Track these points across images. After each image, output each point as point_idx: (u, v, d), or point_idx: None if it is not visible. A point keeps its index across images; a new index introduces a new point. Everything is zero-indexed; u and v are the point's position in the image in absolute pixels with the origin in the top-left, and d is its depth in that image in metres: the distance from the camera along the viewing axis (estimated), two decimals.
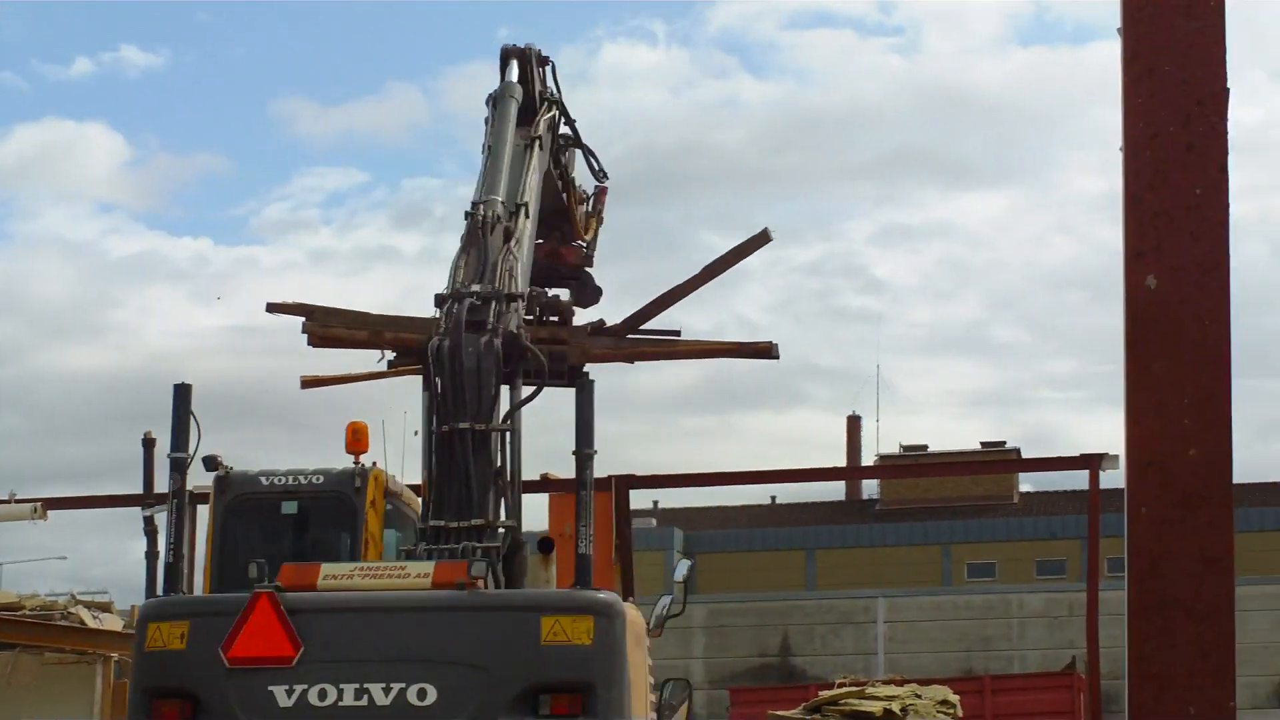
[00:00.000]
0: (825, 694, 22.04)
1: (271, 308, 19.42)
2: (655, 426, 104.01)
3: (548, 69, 16.76)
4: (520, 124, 15.67)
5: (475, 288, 13.06)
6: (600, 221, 18.72)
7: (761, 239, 19.52)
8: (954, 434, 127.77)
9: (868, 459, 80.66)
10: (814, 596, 43.23)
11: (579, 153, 18.18)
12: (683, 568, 13.69)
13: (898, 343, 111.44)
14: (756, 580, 67.58)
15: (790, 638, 36.39)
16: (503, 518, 12.56)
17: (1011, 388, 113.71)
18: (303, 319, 19.22)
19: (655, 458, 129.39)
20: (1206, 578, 6.05)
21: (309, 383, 19.82)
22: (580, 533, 11.65)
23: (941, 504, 79.56)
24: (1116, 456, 22.41)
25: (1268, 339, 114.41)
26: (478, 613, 11.16)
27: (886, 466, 73.67)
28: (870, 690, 21.93)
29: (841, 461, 78.96)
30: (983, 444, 77.44)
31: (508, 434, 12.71)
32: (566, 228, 18.13)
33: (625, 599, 11.69)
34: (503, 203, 13.99)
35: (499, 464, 12.61)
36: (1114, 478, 21.72)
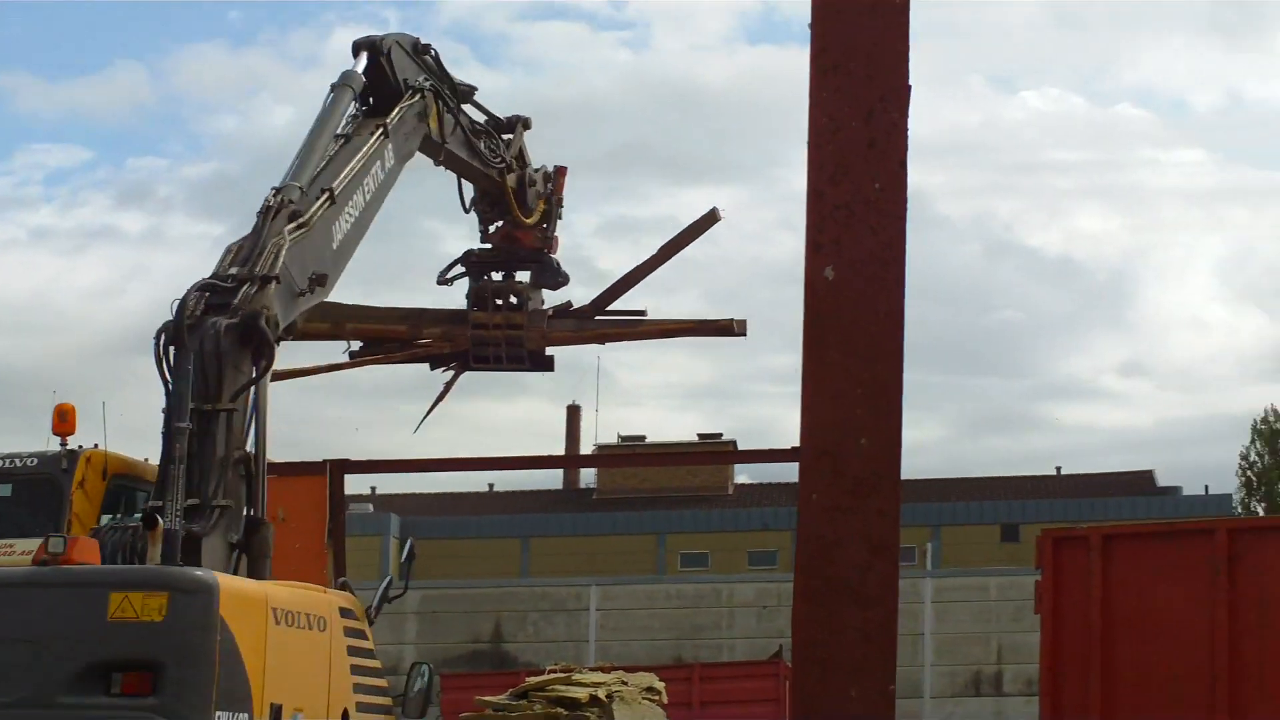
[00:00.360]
0: (533, 680, 22.20)
1: None
2: (374, 413, 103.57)
3: (429, 58, 16.59)
4: (377, 114, 15.67)
5: (233, 270, 13.08)
6: (558, 204, 18.45)
7: (710, 219, 19.31)
8: (671, 425, 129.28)
9: (586, 449, 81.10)
10: (527, 584, 43.45)
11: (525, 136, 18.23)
12: (404, 550, 13.55)
13: None
14: (472, 567, 67.67)
15: (503, 624, 36.55)
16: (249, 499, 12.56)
17: (730, 381, 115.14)
18: None
19: (374, 444, 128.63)
20: (874, 564, 6.26)
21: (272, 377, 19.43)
22: (166, 509, 11.61)
23: (657, 494, 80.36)
24: None
25: (982, 338, 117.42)
26: (43, 589, 10.96)
27: (604, 456, 74.09)
28: (577, 676, 22.13)
29: (561, 451, 79.23)
30: (700, 436, 78.23)
31: (246, 415, 12.74)
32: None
33: (337, 583, 11.68)
34: (300, 188, 13.94)
35: (230, 446, 12.60)
36: None
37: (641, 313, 19.26)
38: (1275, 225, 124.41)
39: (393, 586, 12.98)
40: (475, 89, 17.40)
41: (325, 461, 19.66)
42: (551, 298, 18.94)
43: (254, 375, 12.90)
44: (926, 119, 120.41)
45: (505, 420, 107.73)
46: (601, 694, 21.44)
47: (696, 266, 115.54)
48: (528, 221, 18.08)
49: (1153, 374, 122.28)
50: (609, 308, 19.23)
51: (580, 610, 36.39)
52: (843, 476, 6.25)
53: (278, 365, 18.50)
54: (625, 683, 22.27)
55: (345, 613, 12.40)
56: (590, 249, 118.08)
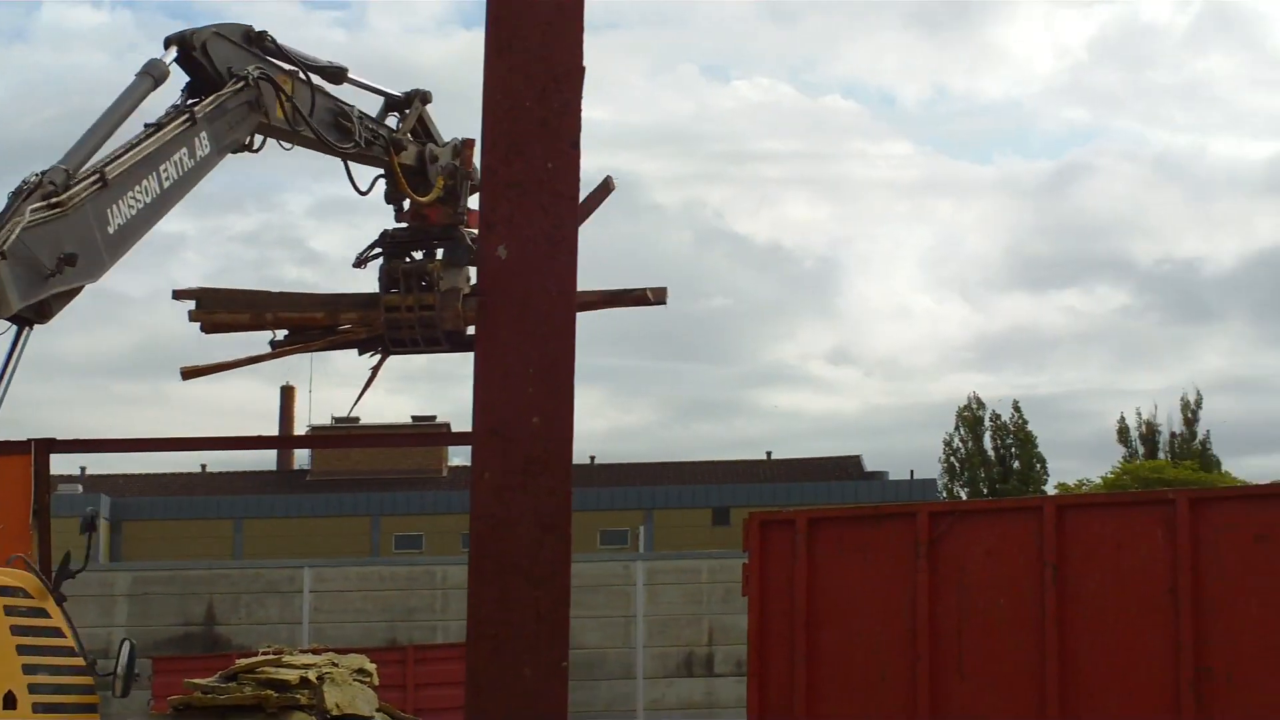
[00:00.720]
0: (243, 662, 22.09)
1: (177, 295, 18.53)
2: (84, 392, 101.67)
3: (268, 44, 16.19)
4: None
5: None
6: (465, 179, 17.95)
7: (605, 189, 18.74)
8: (385, 408, 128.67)
9: (300, 430, 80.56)
10: (240, 566, 43.08)
11: (425, 110, 17.90)
12: (83, 521, 13.05)
13: None
14: (185, 549, 66.85)
15: (216, 606, 36.22)
16: None
17: (443, 363, 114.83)
18: (191, 306, 18.32)
19: (84, 423, 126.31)
20: (545, 543, 6.30)
21: (190, 373, 18.68)
22: None
23: (371, 475, 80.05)
24: None
25: (693, 324, 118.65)
26: None
27: (318, 437, 73.54)
28: (288, 659, 22.05)
29: (274, 431, 78.55)
30: (414, 418, 78.12)
31: None
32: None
33: (9, 560, 11.53)
34: (66, 170, 13.70)
35: None
36: None
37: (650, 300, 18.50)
38: (979, 218, 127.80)
39: (72, 561, 12.78)
40: (345, 69, 17.22)
41: (30, 440, 19.29)
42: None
43: None
44: (640, 108, 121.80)
45: (218, 400, 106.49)
46: (312, 676, 21.40)
47: None
48: (421, 199, 17.80)
49: (859, 362, 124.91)
50: None
51: (294, 592, 36.20)
52: (513, 455, 6.29)
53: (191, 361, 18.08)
54: (336, 664, 22.25)
55: (10, 591, 12.15)
56: (303, 229, 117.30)
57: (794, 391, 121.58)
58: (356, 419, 78.78)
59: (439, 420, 75.37)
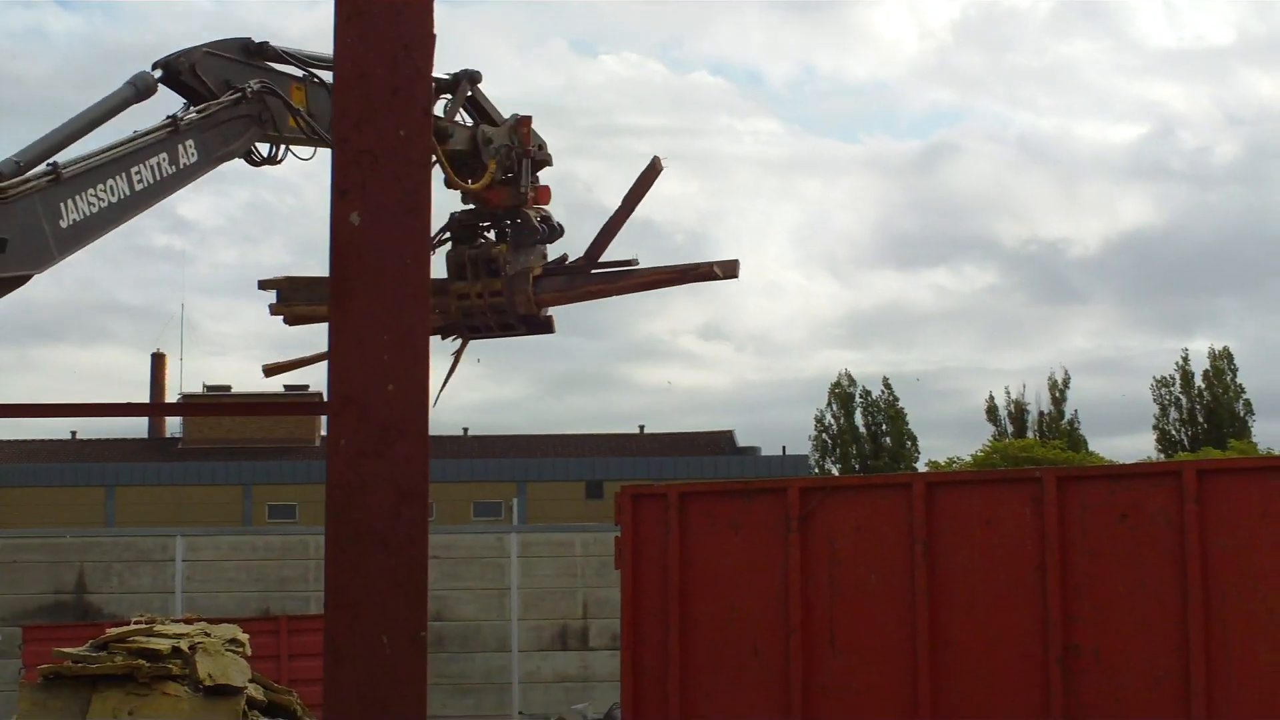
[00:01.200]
0: (114, 631, 21.99)
1: (263, 285, 18.19)
2: None
3: (271, 50, 16.17)
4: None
5: None
6: (524, 156, 17.47)
7: (654, 170, 17.89)
8: (257, 376, 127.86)
9: (172, 397, 79.95)
10: (112, 534, 42.75)
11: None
12: None
13: (202, 283, 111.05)
14: (55, 516, 66.25)
15: (87, 575, 35.94)
16: None
17: (313, 333, 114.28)
18: (272, 300, 18.01)
19: None
20: (401, 510, 6.37)
21: (272, 370, 18.15)
22: None
23: (244, 444, 79.59)
24: None
25: None
26: None
27: (190, 404, 72.86)
28: (159, 628, 21.97)
29: (146, 398, 77.93)
30: (286, 387, 77.64)
31: None
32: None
33: None
34: (17, 162, 13.83)
35: None
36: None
37: (633, 262, 18.27)
38: (848, 196, 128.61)
39: None
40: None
41: None
42: (554, 251, 18.11)
43: None
44: (509, 82, 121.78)
45: (88, 366, 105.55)
46: (184, 646, 21.34)
47: (280, 218, 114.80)
48: (471, 185, 17.32)
49: (731, 337, 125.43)
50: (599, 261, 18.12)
51: (166, 561, 35.97)
52: (369, 423, 6.34)
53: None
54: (208, 634, 22.20)
55: None
56: (172, 196, 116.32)
57: (666, 367, 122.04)
58: (229, 387, 78.38)
59: (311, 391, 74.93)
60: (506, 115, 17.80)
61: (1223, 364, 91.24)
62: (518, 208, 17.62)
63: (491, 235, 17.87)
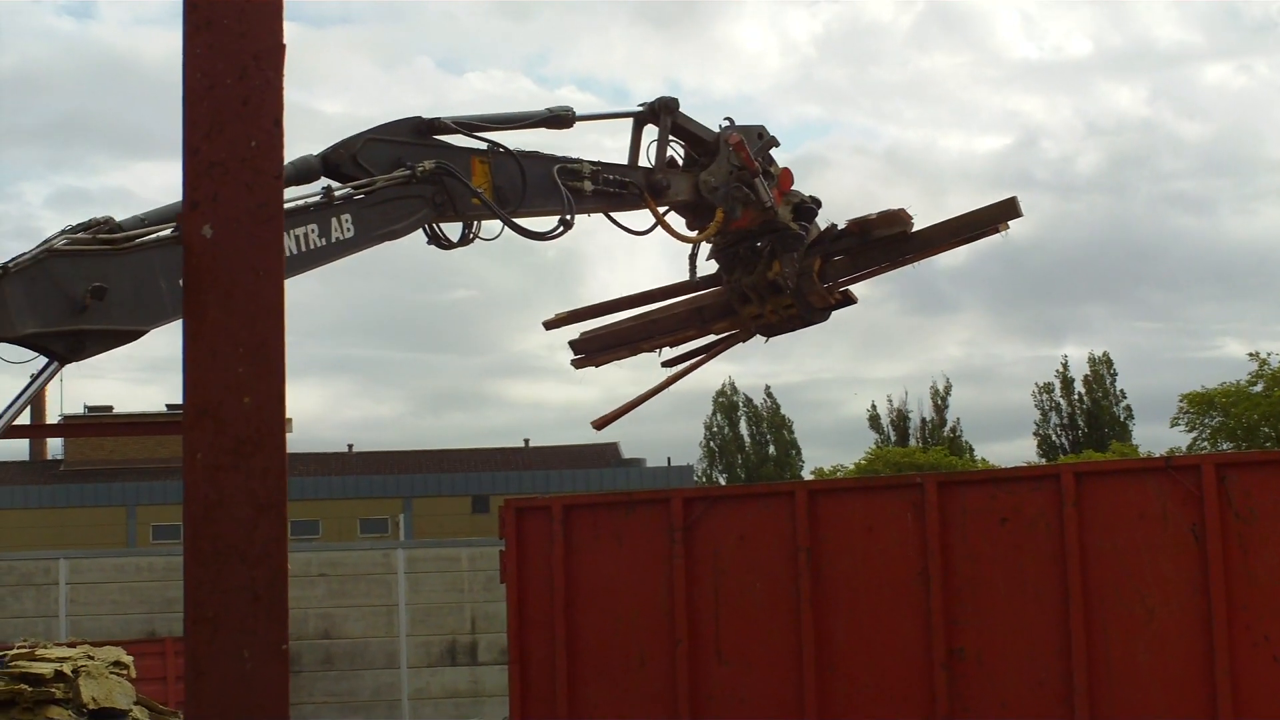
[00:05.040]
0: None
1: (548, 325, 18.09)
2: None
3: (446, 125, 15.18)
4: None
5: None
6: (753, 174, 16.36)
7: (903, 221, 17.19)
8: (134, 397, 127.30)
9: (52, 418, 79.14)
10: None
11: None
12: None
13: None
14: None
15: None
16: None
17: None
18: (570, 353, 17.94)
19: None
20: (259, 523, 6.35)
21: (602, 423, 17.30)
22: None
23: (126, 465, 78.89)
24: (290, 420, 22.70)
25: (439, 315, 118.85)
26: None
27: (72, 425, 72.19)
28: (41, 652, 21.78)
29: (25, 420, 77.05)
30: (168, 406, 77.07)
31: None
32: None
33: None
34: (139, 218, 13.08)
35: None
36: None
37: (903, 216, 17.32)
38: None
39: None
40: (570, 112, 16.17)
41: None
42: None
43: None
44: (374, 101, 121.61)
45: None
46: (67, 669, 21.16)
47: None
48: (698, 236, 16.45)
49: None
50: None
51: (49, 584, 35.62)
52: (225, 435, 6.31)
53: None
54: (92, 657, 22.01)
55: None
56: (44, 219, 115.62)
57: (538, 382, 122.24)
58: (110, 408, 77.66)
59: None
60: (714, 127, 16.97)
61: (1102, 369, 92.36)
62: (767, 221, 16.85)
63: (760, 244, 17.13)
